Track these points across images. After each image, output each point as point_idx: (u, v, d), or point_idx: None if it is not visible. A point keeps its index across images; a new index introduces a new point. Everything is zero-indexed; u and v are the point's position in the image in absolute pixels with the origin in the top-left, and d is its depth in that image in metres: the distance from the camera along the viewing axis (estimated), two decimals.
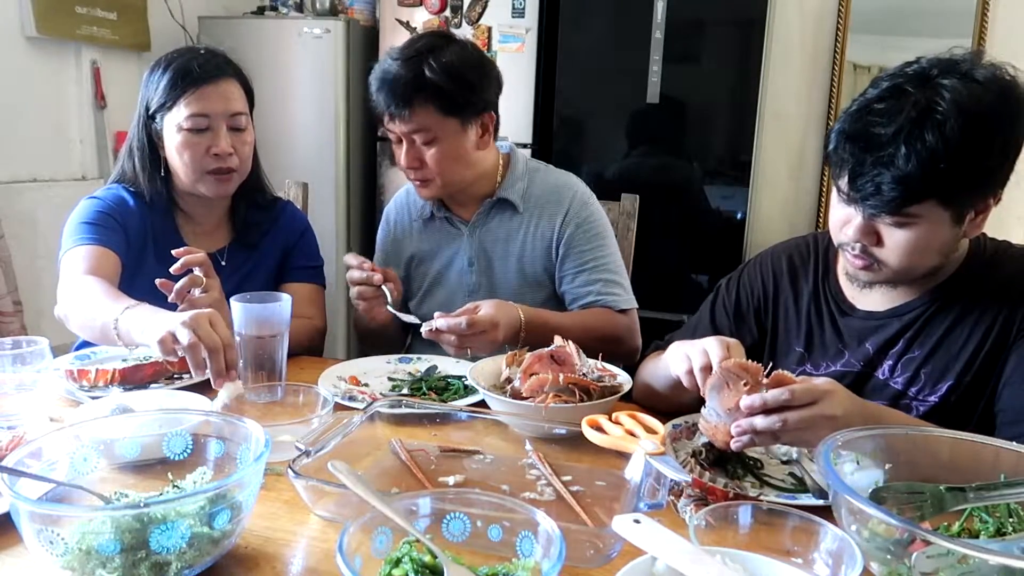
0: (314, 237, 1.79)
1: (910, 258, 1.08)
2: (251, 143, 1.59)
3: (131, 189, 1.58)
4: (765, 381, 0.96)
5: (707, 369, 1.03)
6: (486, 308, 1.38)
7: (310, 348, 1.65)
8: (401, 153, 1.55)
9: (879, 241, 1.09)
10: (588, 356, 1.29)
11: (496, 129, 1.62)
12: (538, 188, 1.67)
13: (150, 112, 1.52)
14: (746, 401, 0.95)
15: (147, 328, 1.18)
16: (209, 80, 1.49)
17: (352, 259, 1.51)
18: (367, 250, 1.70)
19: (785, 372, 0.98)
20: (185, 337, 1.12)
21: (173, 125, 1.50)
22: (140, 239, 1.56)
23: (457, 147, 1.53)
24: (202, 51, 1.55)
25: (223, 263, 1.62)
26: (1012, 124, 1.03)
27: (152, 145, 1.55)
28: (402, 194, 1.81)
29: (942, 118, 0.99)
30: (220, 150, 1.50)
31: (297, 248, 1.72)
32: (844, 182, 1.07)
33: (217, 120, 1.50)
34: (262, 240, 1.68)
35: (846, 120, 1.07)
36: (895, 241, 1.08)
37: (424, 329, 1.36)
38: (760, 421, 0.94)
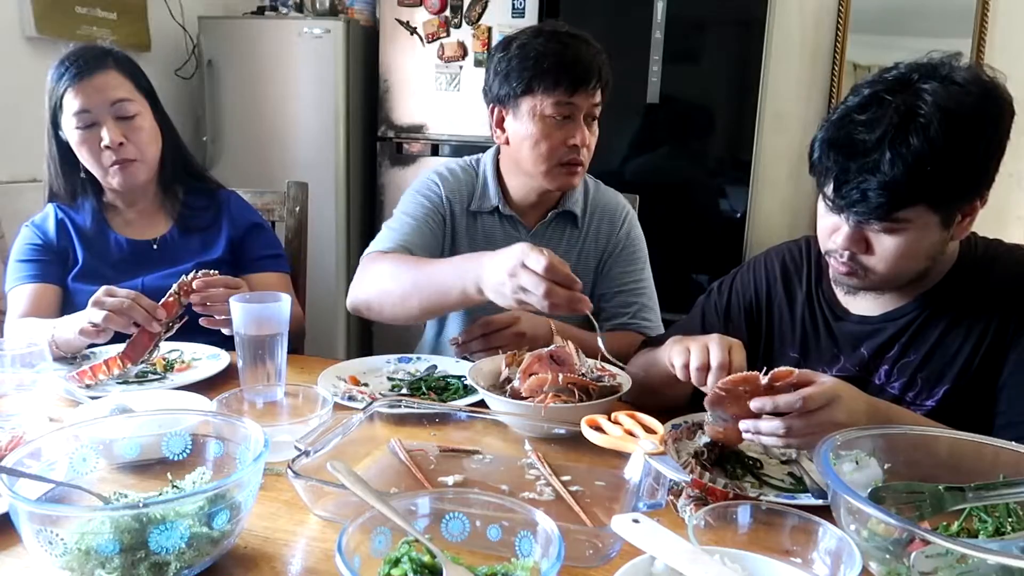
0: (270, 230, 1.79)
1: (898, 263, 1.08)
2: (147, 129, 1.58)
3: (61, 204, 1.63)
4: (764, 380, 0.96)
5: (704, 369, 1.03)
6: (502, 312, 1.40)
7: (296, 336, 1.66)
8: (572, 131, 1.49)
9: (868, 249, 1.08)
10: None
11: None
12: (594, 203, 1.67)
13: (54, 118, 1.55)
14: (756, 404, 0.94)
15: (70, 326, 1.34)
16: (84, 75, 1.51)
17: None
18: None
19: (783, 368, 0.97)
20: (98, 316, 1.28)
21: (68, 126, 1.53)
22: (70, 247, 1.62)
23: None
24: (81, 47, 1.57)
25: (155, 248, 1.64)
26: (995, 124, 1.03)
27: (65, 147, 1.57)
28: (461, 177, 1.64)
29: (925, 121, 0.98)
30: (108, 142, 1.51)
31: (250, 239, 1.71)
32: (829, 190, 1.06)
33: (100, 113, 1.52)
34: (210, 225, 1.68)
35: (828, 128, 1.07)
36: (884, 248, 1.07)
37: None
38: (765, 425, 0.95)
